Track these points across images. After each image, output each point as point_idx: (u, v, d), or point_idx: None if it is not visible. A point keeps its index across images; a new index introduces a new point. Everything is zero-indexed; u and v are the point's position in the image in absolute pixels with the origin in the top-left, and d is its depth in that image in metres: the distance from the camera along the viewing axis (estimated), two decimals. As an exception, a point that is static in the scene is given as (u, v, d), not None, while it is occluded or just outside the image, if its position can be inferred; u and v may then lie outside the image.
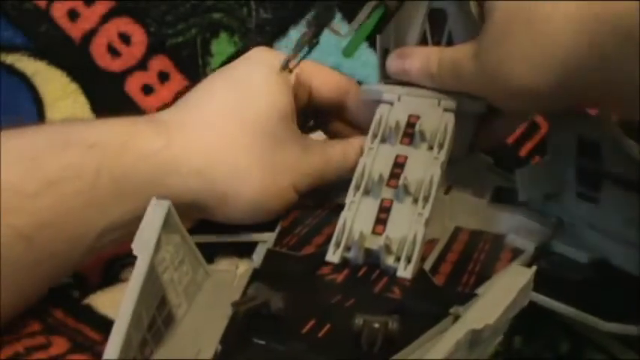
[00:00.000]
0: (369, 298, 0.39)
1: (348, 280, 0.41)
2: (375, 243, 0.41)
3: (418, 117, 0.46)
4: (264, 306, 0.36)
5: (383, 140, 0.46)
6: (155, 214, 0.38)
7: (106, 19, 0.65)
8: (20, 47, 0.64)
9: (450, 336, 0.30)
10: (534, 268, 0.35)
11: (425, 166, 0.44)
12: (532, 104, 0.43)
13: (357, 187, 0.44)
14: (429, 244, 0.45)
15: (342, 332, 0.35)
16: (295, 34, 0.67)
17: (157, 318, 0.34)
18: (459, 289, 0.40)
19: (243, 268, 0.44)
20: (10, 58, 0.64)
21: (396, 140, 0.46)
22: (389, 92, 0.48)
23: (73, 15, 0.65)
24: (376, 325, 0.34)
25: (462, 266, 0.43)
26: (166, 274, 0.37)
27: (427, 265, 0.43)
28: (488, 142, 0.52)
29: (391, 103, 0.48)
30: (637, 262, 0.43)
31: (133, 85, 0.66)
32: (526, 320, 0.39)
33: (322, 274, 0.41)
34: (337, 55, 0.67)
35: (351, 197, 0.44)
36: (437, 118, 0.46)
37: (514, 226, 0.47)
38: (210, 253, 0.48)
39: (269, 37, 0.68)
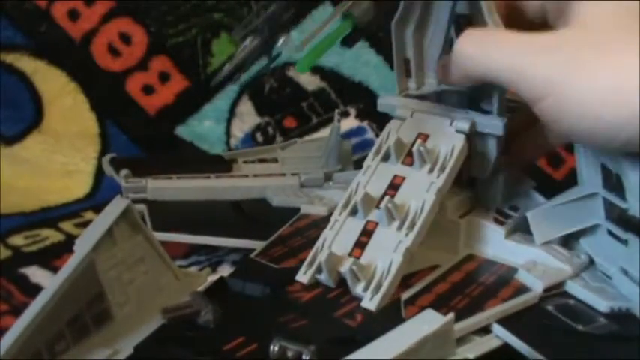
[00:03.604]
0: (322, 322, 0.36)
1: (313, 300, 0.38)
2: (348, 266, 0.38)
3: (427, 136, 0.43)
4: (193, 316, 0.35)
5: (385, 159, 0.43)
6: (110, 212, 0.37)
7: (106, 19, 0.66)
8: (20, 46, 0.65)
9: None
10: (451, 315, 0.30)
11: (420, 191, 0.41)
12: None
13: (346, 206, 0.42)
14: (427, 270, 0.42)
15: (261, 355, 0.33)
16: (296, 34, 0.66)
17: (84, 313, 0.33)
18: None
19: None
20: (10, 57, 0.65)
21: (398, 159, 0.43)
22: (403, 107, 0.45)
23: (73, 15, 0.66)
24: (288, 354, 0.32)
25: (446, 299, 0.39)
26: (112, 272, 0.36)
27: (407, 294, 0.39)
28: (516, 163, 0.47)
29: (403, 119, 0.45)
30: None
31: (133, 85, 0.66)
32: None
33: (291, 291, 0.39)
34: (338, 55, 0.67)
35: (336, 215, 0.41)
36: (446, 139, 0.43)
37: (531, 260, 0.42)
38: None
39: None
